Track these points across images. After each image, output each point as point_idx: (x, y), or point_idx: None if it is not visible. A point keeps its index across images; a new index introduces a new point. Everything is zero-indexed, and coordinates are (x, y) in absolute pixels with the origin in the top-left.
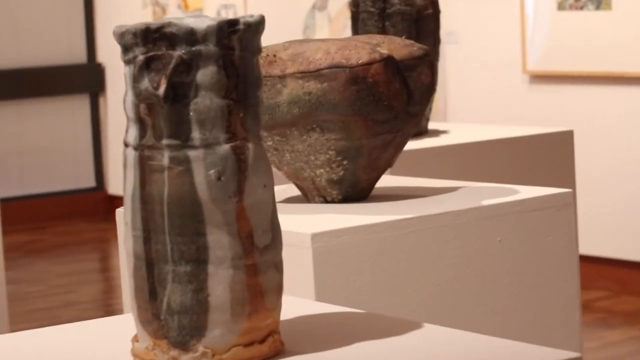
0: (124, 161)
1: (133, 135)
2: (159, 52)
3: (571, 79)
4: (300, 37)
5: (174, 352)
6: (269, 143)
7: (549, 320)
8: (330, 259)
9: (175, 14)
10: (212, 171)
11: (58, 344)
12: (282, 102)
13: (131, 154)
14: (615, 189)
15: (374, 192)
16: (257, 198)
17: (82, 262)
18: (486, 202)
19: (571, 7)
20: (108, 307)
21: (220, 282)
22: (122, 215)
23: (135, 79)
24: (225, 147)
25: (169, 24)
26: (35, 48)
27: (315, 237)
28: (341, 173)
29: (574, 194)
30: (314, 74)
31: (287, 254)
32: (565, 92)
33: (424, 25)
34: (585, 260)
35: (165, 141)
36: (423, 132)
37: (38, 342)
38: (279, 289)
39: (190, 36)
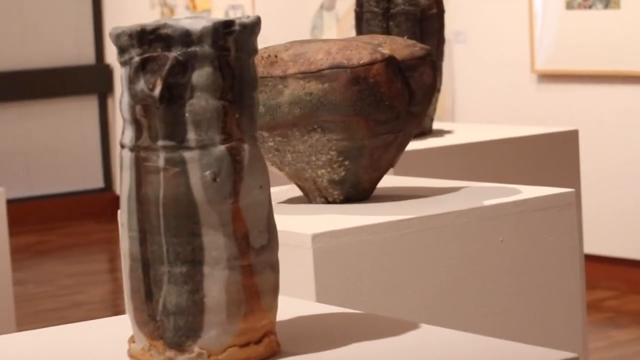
0: (120, 162)
1: (129, 136)
2: (155, 54)
3: (579, 78)
4: (308, 37)
5: (170, 353)
6: (270, 144)
7: (552, 320)
8: (331, 260)
9: (183, 15)
10: (207, 172)
11: (56, 345)
12: (283, 103)
13: (127, 155)
14: (626, 188)
15: (375, 192)
16: (252, 199)
17: (90, 263)
18: (488, 202)
19: (580, 6)
20: (116, 307)
21: (216, 283)
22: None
23: (131, 81)
24: (221, 148)
25: (165, 26)
26: (43, 49)
27: (315, 237)
28: (342, 173)
29: (577, 194)
30: (315, 75)
31: (287, 255)
32: (574, 92)
33: (428, 25)
34: (594, 259)
35: (160, 142)
36: (427, 132)
37: (36, 343)
38: (275, 290)
39: (186, 37)
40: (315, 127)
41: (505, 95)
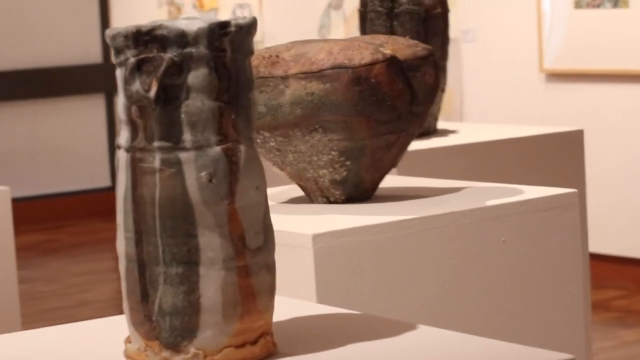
0: (116, 163)
1: (125, 137)
2: (150, 55)
3: (588, 78)
4: (315, 35)
5: (166, 353)
6: (272, 144)
7: (554, 321)
8: (331, 260)
9: (190, 14)
10: (203, 173)
11: (53, 344)
12: (285, 103)
13: (123, 156)
14: (636, 187)
15: (377, 192)
16: (249, 200)
17: (98, 262)
18: (490, 202)
19: (588, 5)
20: None
21: (212, 283)
22: None
23: (127, 81)
24: (217, 149)
25: (160, 27)
26: (50, 48)
27: (316, 237)
28: (344, 174)
29: (582, 194)
30: (317, 75)
31: (288, 255)
32: (582, 91)
33: (433, 24)
34: (603, 259)
35: (156, 143)
36: (432, 132)
37: (34, 342)
38: (271, 291)
39: (181, 38)
40: (317, 127)
41: (513, 95)
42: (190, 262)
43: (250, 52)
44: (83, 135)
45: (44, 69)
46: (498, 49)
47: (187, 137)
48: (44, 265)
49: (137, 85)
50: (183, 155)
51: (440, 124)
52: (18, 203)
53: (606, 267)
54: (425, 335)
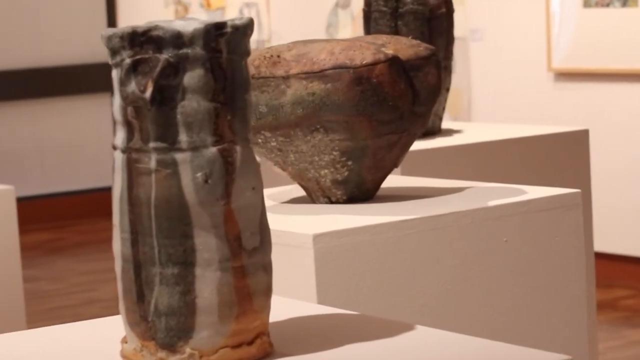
0: (113, 164)
1: (121, 138)
2: (146, 55)
3: (597, 77)
4: (323, 35)
5: (162, 354)
6: (273, 144)
7: (557, 321)
8: (332, 260)
9: (197, 13)
10: (199, 174)
11: (50, 344)
12: (286, 103)
13: (119, 156)
14: None
15: (379, 192)
16: (245, 201)
17: (103, 261)
18: (492, 202)
19: (597, 4)
20: None
21: (208, 284)
22: None
23: (122, 82)
24: (213, 150)
25: (156, 27)
26: (57, 47)
27: (317, 237)
28: (346, 174)
29: (587, 195)
30: (318, 75)
31: (288, 255)
32: (591, 90)
33: (437, 24)
34: (610, 258)
35: (152, 144)
36: (436, 132)
37: (31, 342)
38: (267, 291)
39: (177, 39)
40: (318, 127)
41: (521, 94)
42: (186, 262)
43: (246, 53)
44: (89, 135)
45: (51, 68)
46: (506, 48)
47: (183, 138)
48: (49, 264)
49: (132, 86)
50: (179, 156)
51: (447, 124)
52: (23, 202)
53: (613, 266)
54: (422, 336)
